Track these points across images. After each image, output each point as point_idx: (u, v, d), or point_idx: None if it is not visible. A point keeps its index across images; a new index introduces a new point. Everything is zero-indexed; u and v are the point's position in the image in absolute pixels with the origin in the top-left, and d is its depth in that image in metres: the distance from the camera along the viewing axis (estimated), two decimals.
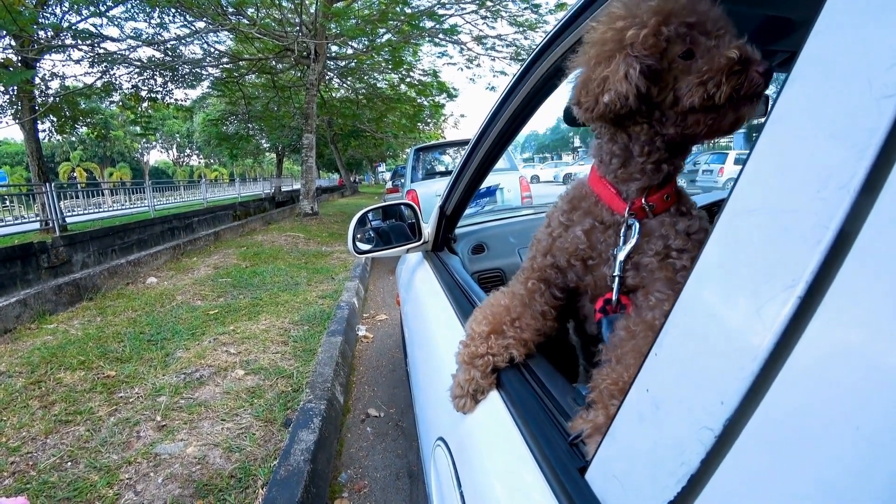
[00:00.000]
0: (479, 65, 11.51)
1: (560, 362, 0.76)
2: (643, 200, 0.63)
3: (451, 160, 7.57)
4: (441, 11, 9.72)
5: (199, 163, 48.30)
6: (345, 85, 14.60)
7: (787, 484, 0.24)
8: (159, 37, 9.22)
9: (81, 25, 8.27)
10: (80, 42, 8.28)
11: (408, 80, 12.95)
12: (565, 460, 0.48)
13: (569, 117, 0.77)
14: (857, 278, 0.22)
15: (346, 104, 15.76)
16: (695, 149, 0.72)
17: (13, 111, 8.99)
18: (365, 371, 2.96)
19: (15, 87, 8.35)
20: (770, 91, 0.54)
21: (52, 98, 9.33)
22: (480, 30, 10.77)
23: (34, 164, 8.85)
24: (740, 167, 0.31)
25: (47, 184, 7.50)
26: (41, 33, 7.88)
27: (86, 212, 9.95)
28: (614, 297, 0.63)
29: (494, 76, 12.71)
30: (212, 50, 10.48)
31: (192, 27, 9.34)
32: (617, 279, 0.63)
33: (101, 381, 2.51)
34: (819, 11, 0.26)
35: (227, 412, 2.15)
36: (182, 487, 1.67)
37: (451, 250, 1.63)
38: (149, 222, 8.25)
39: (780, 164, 0.28)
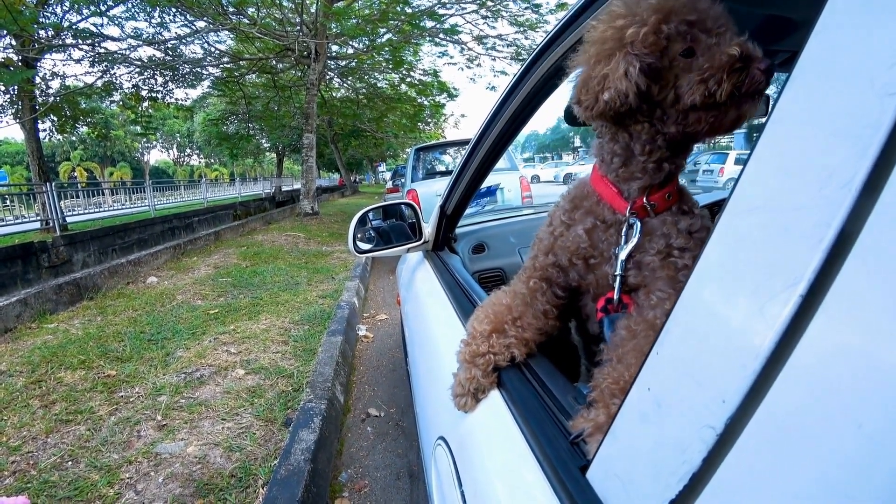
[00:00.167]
0: (479, 64, 11.52)
1: (561, 362, 0.76)
2: (644, 199, 0.62)
3: (452, 160, 7.57)
4: (441, 11, 9.72)
5: (200, 162, 48.34)
6: (345, 84, 14.60)
7: (788, 482, 0.24)
8: (160, 36, 9.22)
9: (82, 25, 8.28)
10: (80, 41, 8.28)
11: (408, 79, 12.95)
12: (566, 459, 0.48)
13: (569, 117, 0.77)
14: (859, 277, 0.22)
15: (347, 104, 15.77)
16: (695, 149, 0.72)
17: (14, 111, 8.99)
18: (365, 371, 2.96)
19: (15, 87, 8.35)
20: (771, 90, 0.54)
21: (52, 97, 9.33)
22: (481, 29, 10.78)
23: (35, 164, 8.86)
24: (741, 167, 0.31)
25: (48, 183, 7.49)
26: (42, 33, 7.89)
27: (86, 211, 9.96)
28: (616, 297, 0.63)
29: (495, 76, 12.71)
30: (212, 49, 10.49)
31: (193, 27, 9.34)
32: (618, 278, 0.63)
33: (101, 380, 2.51)
34: (821, 10, 0.26)
35: (228, 412, 2.15)
36: (182, 487, 1.67)
37: (451, 250, 1.63)
38: (149, 222, 8.26)
39: (781, 162, 0.28)
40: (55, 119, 10.04)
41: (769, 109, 0.29)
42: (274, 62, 11.40)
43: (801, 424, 0.24)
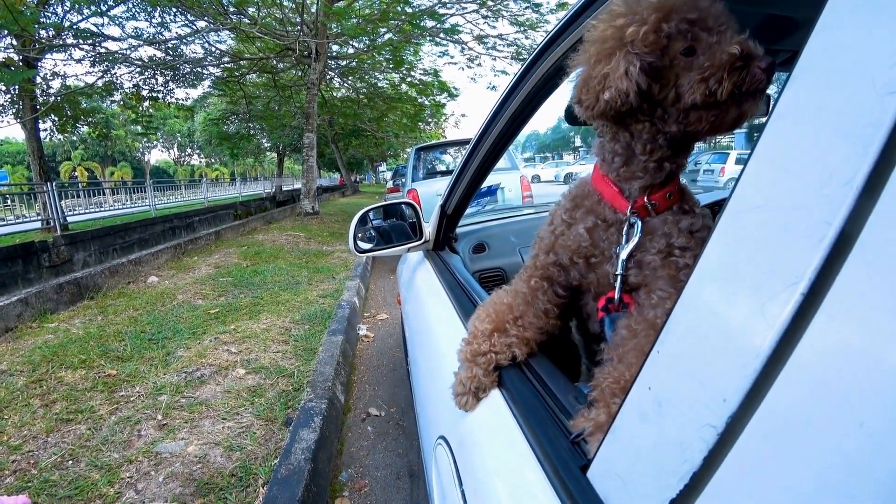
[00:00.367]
0: (480, 64, 11.52)
1: (562, 361, 0.76)
2: (646, 199, 0.62)
3: (452, 160, 7.57)
4: (442, 11, 9.71)
5: (200, 162, 48.36)
6: (346, 84, 14.60)
7: (789, 481, 0.24)
8: (160, 36, 9.23)
9: (83, 25, 8.29)
10: (81, 41, 8.29)
11: (409, 79, 12.95)
12: (567, 458, 0.48)
13: (570, 116, 0.77)
14: (860, 275, 0.22)
15: (347, 103, 15.78)
16: (696, 148, 0.72)
17: (15, 110, 9.00)
18: (366, 370, 2.96)
19: (16, 87, 8.36)
20: (772, 90, 0.54)
21: (53, 97, 9.34)
22: (481, 29, 10.78)
23: (35, 164, 8.86)
24: (742, 167, 0.31)
25: (48, 183, 7.49)
26: (42, 33, 7.89)
27: (87, 211, 9.94)
28: (616, 296, 0.63)
29: (495, 75, 12.71)
30: (213, 49, 10.50)
31: (194, 26, 9.35)
32: (619, 277, 0.63)
33: (102, 379, 2.52)
34: (821, 9, 0.26)
35: (228, 411, 2.15)
36: (183, 486, 1.67)
37: (452, 249, 1.63)
38: (150, 221, 8.25)
39: (783, 161, 0.28)
40: (56, 119, 10.04)
41: (770, 109, 0.29)
42: (274, 62, 11.41)
43: (802, 423, 0.24)
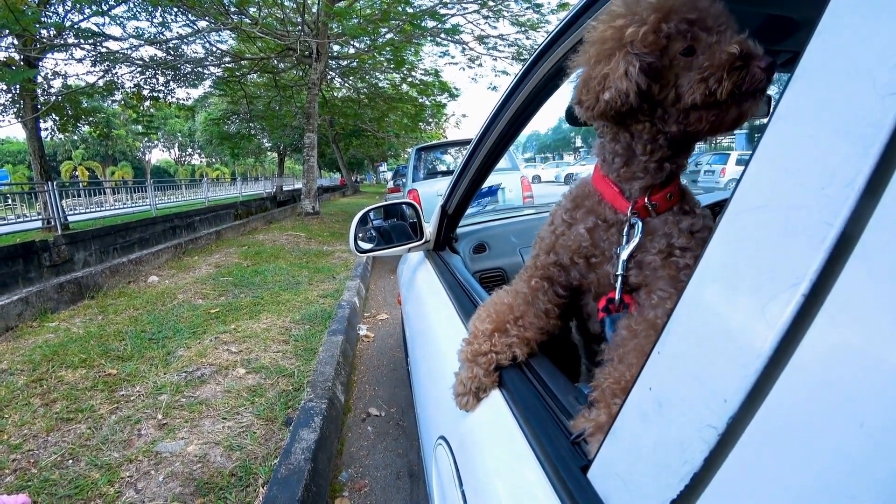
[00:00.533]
0: (480, 64, 11.55)
1: (562, 361, 0.76)
2: (646, 199, 0.62)
3: (453, 160, 7.58)
4: (443, 11, 9.72)
5: (201, 162, 48.38)
6: (346, 84, 14.61)
7: (790, 481, 0.24)
8: (161, 36, 9.23)
9: (84, 24, 8.30)
10: (82, 41, 8.29)
11: (409, 79, 12.95)
12: (567, 459, 0.48)
13: (571, 117, 0.77)
14: (861, 275, 0.22)
15: (348, 103, 15.78)
16: (697, 149, 0.72)
17: (16, 110, 9.01)
18: (366, 370, 2.96)
19: (17, 86, 8.37)
20: (773, 90, 0.54)
21: (54, 97, 9.35)
22: (482, 29, 10.79)
23: (36, 163, 8.88)
24: (743, 167, 0.31)
25: (49, 182, 7.49)
26: (44, 32, 7.90)
27: (88, 210, 9.97)
28: (617, 296, 0.63)
29: (496, 76, 12.67)
30: (214, 49, 10.50)
31: (195, 26, 9.35)
32: (620, 278, 0.63)
33: (102, 379, 2.52)
34: (822, 10, 0.26)
35: (228, 411, 2.15)
36: (183, 486, 1.67)
37: (452, 250, 1.63)
38: (150, 221, 8.27)
39: (784, 161, 0.28)
40: (57, 118, 10.05)
41: (771, 109, 0.29)
42: (275, 62, 11.42)
43: (803, 424, 0.24)
